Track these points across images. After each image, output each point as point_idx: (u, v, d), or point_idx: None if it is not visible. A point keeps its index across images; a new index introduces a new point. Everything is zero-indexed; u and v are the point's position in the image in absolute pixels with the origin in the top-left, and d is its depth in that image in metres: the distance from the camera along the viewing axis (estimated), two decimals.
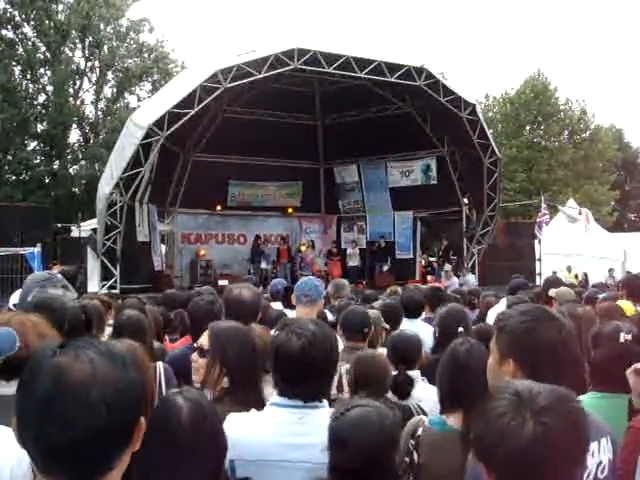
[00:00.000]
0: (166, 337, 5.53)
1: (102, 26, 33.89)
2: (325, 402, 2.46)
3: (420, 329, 5.16)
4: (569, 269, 20.37)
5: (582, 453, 1.46)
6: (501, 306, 6.07)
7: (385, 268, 21.38)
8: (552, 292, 5.90)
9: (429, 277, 20.81)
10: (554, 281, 6.73)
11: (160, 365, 3.76)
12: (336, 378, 3.91)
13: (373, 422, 2.11)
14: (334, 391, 3.89)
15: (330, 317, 5.78)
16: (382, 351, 4.36)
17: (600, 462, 2.04)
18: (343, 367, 3.96)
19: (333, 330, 4.44)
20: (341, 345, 4.20)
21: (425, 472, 2.63)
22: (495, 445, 1.42)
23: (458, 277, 19.05)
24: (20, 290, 6.41)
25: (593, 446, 2.01)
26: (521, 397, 1.45)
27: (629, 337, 2.98)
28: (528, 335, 2.02)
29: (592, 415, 2.12)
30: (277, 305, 6.14)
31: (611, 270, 21.84)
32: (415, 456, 2.66)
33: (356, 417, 2.13)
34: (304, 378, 2.37)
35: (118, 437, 1.30)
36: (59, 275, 6.26)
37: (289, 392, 2.41)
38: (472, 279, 18.85)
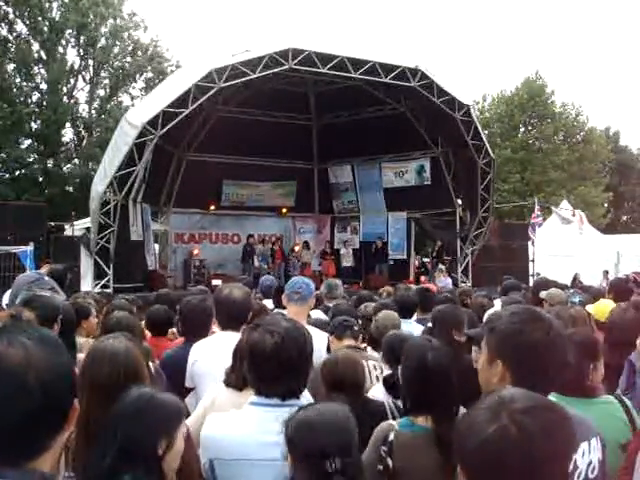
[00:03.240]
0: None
1: (98, 24, 33.78)
2: (304, 400, 2.48)
3: (414, 330, 5.18)
4: None
5: (556, 464, 1.41)
6: (496, 308, 6.09)
7: (384, 269, 21.36)
8: (543, 294, 5.91)
9: (422, 278, 20.83)
10: (544, 283, 6.73)
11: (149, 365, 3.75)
12: None
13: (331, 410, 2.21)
14: None
15: (324, 317, 5.79)
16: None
17: (590, 462, 2.05)
18: None
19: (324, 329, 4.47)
20: (333, 347, 4.21)
21: (403, 475, 2.64)
22: (464, 437, 1.42)
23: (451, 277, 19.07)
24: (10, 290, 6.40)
25: (583, 446, 2.03)
26: (503, 399, 1.44)
27: None
28: (515, 336, 2.02)
29: (581, 415, 2.13)
30: (268, 303, 6.13)
31: (605, 272, 21.89)
32: (389, 462, 2.66)
33: (315, 409, 2.22)
34: (280, 375, 2.39)
35: (53, 419, 1.32)
36: (46, 277, 6.25)
37: (266, 390, 2.43)
38: (449, 283, 18.62)
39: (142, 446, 2.09)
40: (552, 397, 2.89)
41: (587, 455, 2.04)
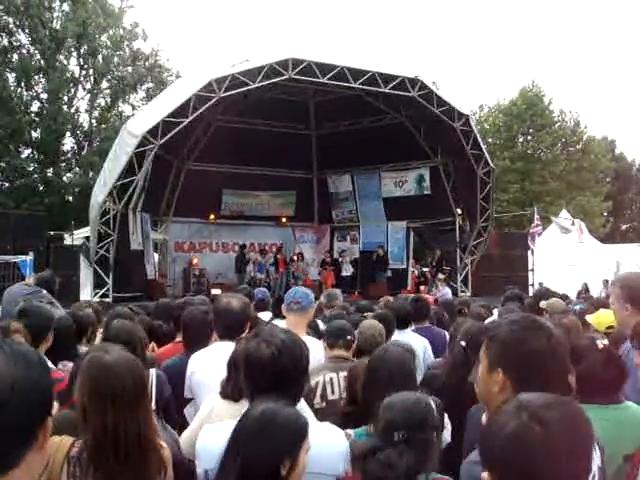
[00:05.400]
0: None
1: (97, 34, 33.90)
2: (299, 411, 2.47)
3: (411, 339, 5.17)
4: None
5: (582, 456, 1.47)
6: (494, 317, 6.08)
7: (383, 278, 21.34)
8: (543, 304, 5.90)
9: (422, 287, 20.82)
10: (544, 292, 6.72)
11: (153, 372, 3.76)
12: (320, 387, 3.93)
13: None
14: (318, 400, 3.90)
15: (322, 326, 5.79)
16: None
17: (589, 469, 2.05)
18: (327, 376, 3.97)
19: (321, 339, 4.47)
20: (325, 355, 4.21)
21: None
22: (488, 439, 1.49)
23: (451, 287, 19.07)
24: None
25: None
26: (521, 401, 1.51)
27: (606, 342, 3.04)
28: (517, 345, 2.00)
29: None
30: (263, 315, 6.13)
31: (605, 281, 21.87)
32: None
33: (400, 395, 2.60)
34: (275, 385, 2.39)
35: (16, 436, 1.26)
36: (44, 291, 6.19)
37: (260, 400, 2.41)
38: (448, 292, 18.62)
39: (265, 467, 2.05)
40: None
41: None
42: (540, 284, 16.99)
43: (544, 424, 1.42)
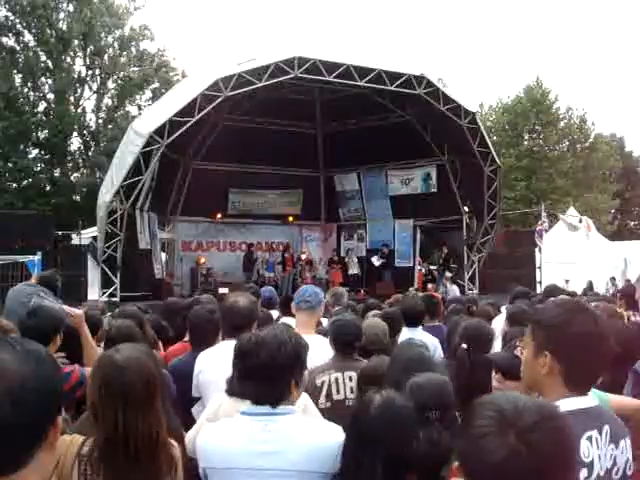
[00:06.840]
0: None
1: (103, 34, 33.99)
2: (293, 409, 2.51)
3: (423, 338, 5.15)
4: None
5: (568, 472, 1.43)
6: (502, 316, 6.06)
7: (389, 276, 21.33)
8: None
9: (429, 285, 20.78)
10: (554, 290, 6.71)
11: None
12: (326, 387, 3.92)
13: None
14: (323, 399, 3.89)
15: (325, 323, 5.80)
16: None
17: (627, 459, 2.06)
18: (332, 376, 3.96)
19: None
20: (330, 354, 4.20)
21: None
22: (478, 463, 1.38)
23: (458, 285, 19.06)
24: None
25: (622, 444, 2.04)
26: (504, 415, 1.40)
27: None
28: (563, 327, 2.03)
29: (616, 417, 2.14)
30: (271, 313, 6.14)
31: (613, 279, 21.80)
32: None
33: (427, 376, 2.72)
34: (254, 376, 2.48)
35: (27, 434, 1.27)
36: (46, 289, 6.17)
37: (244, 391, 2.56)
38: (456, 290, 18.69)
39: (407, 453, 2.22)
40: None
41: (625, 452, 2.05)
42: (566, 281, 16.87)
43: (532, 446, 1.34)
